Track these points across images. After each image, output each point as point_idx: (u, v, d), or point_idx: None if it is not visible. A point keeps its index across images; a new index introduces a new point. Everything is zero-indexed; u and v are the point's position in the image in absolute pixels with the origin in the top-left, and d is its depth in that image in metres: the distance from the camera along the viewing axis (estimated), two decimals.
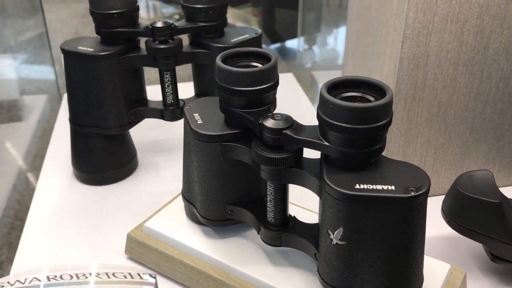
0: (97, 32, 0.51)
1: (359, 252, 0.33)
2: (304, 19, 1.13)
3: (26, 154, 0.80)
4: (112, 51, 0.50)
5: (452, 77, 0.47)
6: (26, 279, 0.35)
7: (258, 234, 0.40)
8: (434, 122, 0.49)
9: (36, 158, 0.81)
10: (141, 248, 0.44)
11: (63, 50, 0.51)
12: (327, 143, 0.33)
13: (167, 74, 0.52)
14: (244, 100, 0.37)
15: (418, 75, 0.47)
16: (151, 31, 0.50)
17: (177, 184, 0.54)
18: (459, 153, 0.51)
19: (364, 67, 0.55)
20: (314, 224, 0.39)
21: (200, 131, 0.38)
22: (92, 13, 0.50)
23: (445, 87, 0.48)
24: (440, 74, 0.47)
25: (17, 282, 0.35)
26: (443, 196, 0.42)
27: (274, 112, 0.37)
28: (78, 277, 0.35)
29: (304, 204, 0.45)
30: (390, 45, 0.47)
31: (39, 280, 0.34)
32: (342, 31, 1.34)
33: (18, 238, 0.84)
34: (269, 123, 0.34)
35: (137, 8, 0.51)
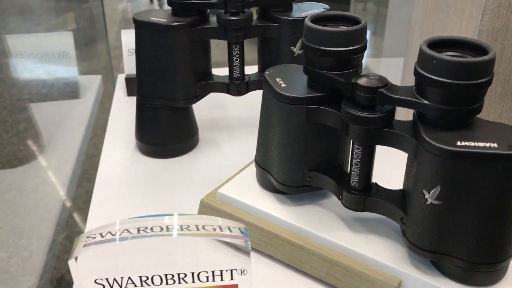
0: (169, 4, 0.52)
1: (455, 212, 0.32)
2: (355, 12, 1.14)
3: (86, 130, 0.81)
4: (185, 22, 0.50)
5: None
6: (117, 230, 0.35)
7: (339, 199, 0.40)
8: (508, 98, 0.49)
9: (95, 134, 0.83)
10: (215, 214, 0.44)
11: (136, 21, 0.51)
12: (425, 101, 0.32)
13: (236, 47, 0.53)
14: (333, 61, 0.37)
15: (495, 49, 0.46)
16: (224, 3, 0.51)
17: (240, 159, 0.54)
18: None
19: None
20: (396, 190, 0.38)
21: (286, 93, 0.38)
22: None
23: None
24: None
25: (108, 234, 0.35)
26: None
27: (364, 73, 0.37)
28: (168, 229, 0.35)
29: None
30: (467, 18, 0.47)
31: (130, 232, 0.35)
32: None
33: (48, 228, 0.85)
34: (364, 81, 0.34)
35: None
